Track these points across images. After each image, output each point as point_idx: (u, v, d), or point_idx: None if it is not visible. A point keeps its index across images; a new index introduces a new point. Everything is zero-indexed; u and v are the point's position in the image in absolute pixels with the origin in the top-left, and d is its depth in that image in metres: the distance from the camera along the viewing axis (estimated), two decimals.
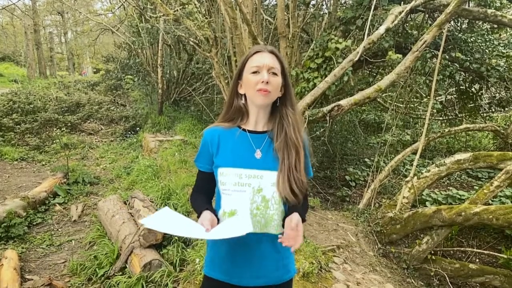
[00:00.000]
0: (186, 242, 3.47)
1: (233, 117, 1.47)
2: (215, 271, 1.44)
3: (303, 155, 1.40)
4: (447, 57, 5.18)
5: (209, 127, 1.49)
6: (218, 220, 1.40)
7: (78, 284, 3.14)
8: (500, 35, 6.26)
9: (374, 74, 7.16)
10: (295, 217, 1.28)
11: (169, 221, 1.35)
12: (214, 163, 1.44)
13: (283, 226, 1.40)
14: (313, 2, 5.32)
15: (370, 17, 4.11)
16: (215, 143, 1.44)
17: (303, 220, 1.35)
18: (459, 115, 7.02)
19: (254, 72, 1.36)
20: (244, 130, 1.45)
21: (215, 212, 1.41)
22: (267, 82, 1.33)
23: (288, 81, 1.44)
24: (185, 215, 1.43)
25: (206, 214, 1.35)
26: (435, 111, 5.52)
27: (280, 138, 1.39)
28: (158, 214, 1.37)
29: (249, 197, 1.37)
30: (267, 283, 1.42)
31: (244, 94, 1.43)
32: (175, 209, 4.10)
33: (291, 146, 1.38)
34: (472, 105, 6.53)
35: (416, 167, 4.67)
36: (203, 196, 1.51)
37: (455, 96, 6.68)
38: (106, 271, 3.22)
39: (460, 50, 5.22)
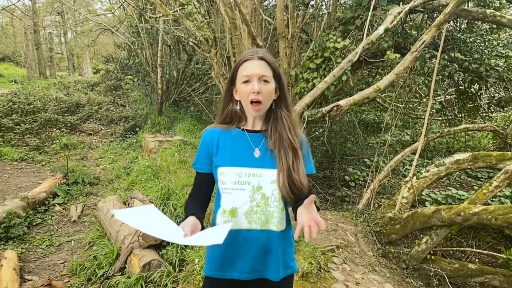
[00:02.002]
0: None
1: (230, 120, 1.49)
2: (216, 270, 1.46)
3: (301, 156, 1.41)
4: (446, 57, 5.19)
5: (207, 128, 1.51)
6: (203, 227, 1.38)
7: (78, 284, 3.14)
8: (499, 35, 6.26)
9: (374, 75, 7.17)
10: (311, 208, 1.17)
11: (146, 218, 1.31)
12: (213, 163, 1.46)
13: (287, 223, 1.44)
14: (312, 3, 5.34)
15: (369, 18, 4.11)
16: (214, 142, 1.46)
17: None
18: (458, 115, 7.03)
19: (245, 82, 1.37)
20: (242, 129, 1.47)
21: (201, 219, 1.40)
22: (258, 92, 1.34)
23: (283, 84, 1.44)
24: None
25: (190, 219, 1.34)
26: (434, 111, 5.53)
27: (273, 138, 1.41)
28: (138, 210, 1.36)
29: (249, 195, 1.39)
30: (265, 276, 1.43)
31: (240, 100, 1.44)
32: (174, 210, 4.10)
33: (287, 147, 1.39)
34: (471, 105, 6.54)
35: (416, 167, 4.67)
36: (198, 201, 1.51)
37: (454, 96, 6.69)
38: (105, 272, 3.22)
39: (459, 50, 5.22)
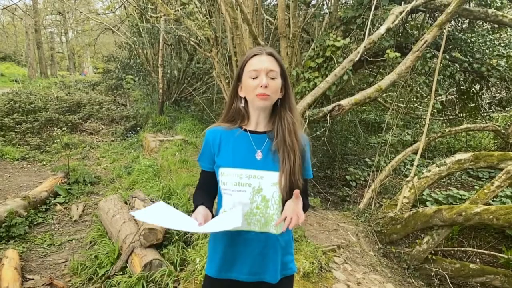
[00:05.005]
0: (187, 242, 3.48)
1: (233, 118, 1.48)
2: (215, 270, 1.46)
3: (299, 158, 1.40)
4: (447, 57, 5.18)
5: (210, 127, 1.50)
6: (213, 216, 1.42)
7: (79, 283, 3.15)
8: (500, 35, 6.25)
9: (375, 74, 7.17)
10: (296, 202, 1.27)
11: (161, 214, 1.35)
12: (215, 163, 1.46)
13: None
14: (313, 2, 5.32)
15: (370, 17, 4.11)
16: (216, 143, 1.45)
17: (305, 210, 1.38)
18: (459, 115, 7.02)
19: (253, 76, 1.36)
20: (245, 130, 1.46)
21: (210, 208, 1.42)
22: (266, 87, 1.33)
23: (288, 82, 1.44)
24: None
25: (200, 209, 1.37)
26: (435, 111, 5.51)
27: (278, 139, 1.41)
28: (152, 208, 1.38)
29: (249, 197, 1.39)
30: (264, 279, 1.43)
31: (245, 97, 1.43)
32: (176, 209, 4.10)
33: (289, 149, 1.39)
34: (472, 105, 6.53)
35: (417, 167, 4.66)
36: (204, 193, 1.53)
37: (455, 96, 6.68)
38: (106, 271, 3.22)
39: (461, 50, 5.21)
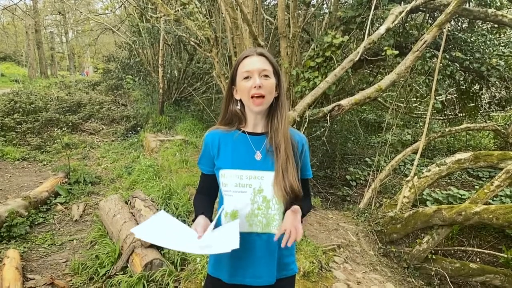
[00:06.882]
0: None
1: (231, 121, 1.49)
2: (219, 271, 1.46)
3: (291, 156, 1.40)
4: (447, 56, 5.18)
5: (209, 130, 1.51)
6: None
7: (80, 283, 3.16)
8: (500, 35, 6.25)
9: (375, 74, 7.17)
10: (295, 216, 1.30)
11: (161, 229, 1.35)
12: (215, 165, 1.46)
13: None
14: (313, 2, 5.33)
15: (370, 17, 4.11)
16: (215, 145, 1.46)
17: (303, 215, 1.37)
18: (459, 114, 7.02)
19: (246, 78, 1.37)
20: (243, 132, 1.46)
21: (210, 216, 1.43)
22: (259, 87, 1.34)
23: (281, 81, 1.44)
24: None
25: (200, 220, 1.37)
26: (435, 110, 5.52)
27: (269, 136, 1.42)
28: (152, 221, 1.38)
29: (250, 198, 1.39)
30: (269, 282, 1.43)
31: (241, 99, 1.44)
32: (176, 209, 4.12)
33: (280, 148, 1.39)
34: (472, 104, 6.53)
35: (417, 166, 4.67)
36: (205, 197, 1.54)
37: (455, 95, 6.68)
38: (107, 271, 3.23)
39: (460, 49, 5.21)
